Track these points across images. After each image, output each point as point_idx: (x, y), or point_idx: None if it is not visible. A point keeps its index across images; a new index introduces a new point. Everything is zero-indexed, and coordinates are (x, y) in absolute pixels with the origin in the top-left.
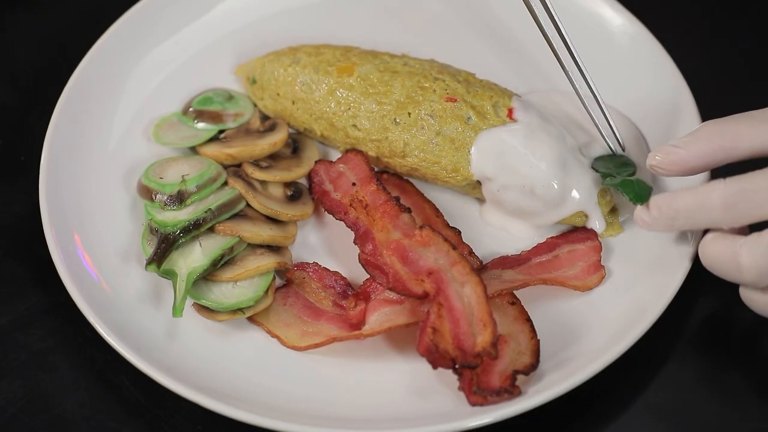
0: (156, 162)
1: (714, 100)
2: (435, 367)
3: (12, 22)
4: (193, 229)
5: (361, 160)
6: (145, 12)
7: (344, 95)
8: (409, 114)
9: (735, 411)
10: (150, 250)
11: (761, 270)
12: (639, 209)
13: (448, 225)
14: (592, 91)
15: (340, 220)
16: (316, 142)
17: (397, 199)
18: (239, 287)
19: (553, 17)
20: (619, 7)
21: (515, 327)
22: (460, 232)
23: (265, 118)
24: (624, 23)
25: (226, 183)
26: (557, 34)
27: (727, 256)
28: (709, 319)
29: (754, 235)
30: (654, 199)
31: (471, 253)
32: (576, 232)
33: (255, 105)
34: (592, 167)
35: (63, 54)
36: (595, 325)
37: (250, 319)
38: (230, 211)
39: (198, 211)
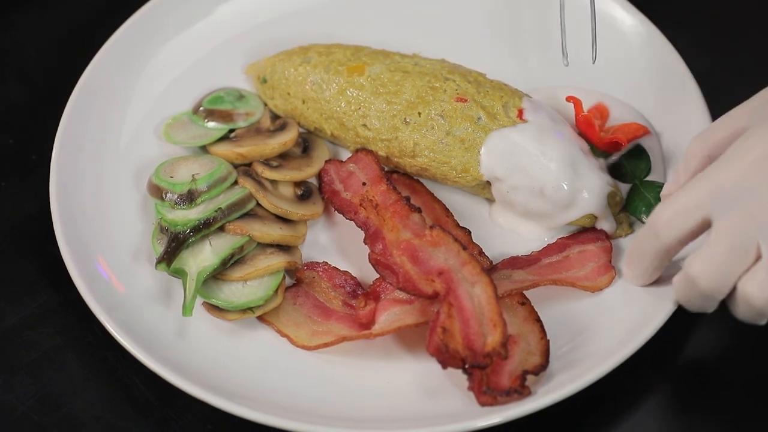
0: (166, 161)
1: (724, 101)
2: (445, 367)
3: (23, 20)
4: (204, 228)
5: (371, 160)
6: (156, 11)
7: (355, 95)
8: (420, 114)
9: (748, 412)
10: (160, 249)
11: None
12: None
13: (458, 225)
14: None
15: (350, 219)
16: (326, 141)
17: (408, 198)
18: (249, 286)
19: None
20: (631, 7)
21: (525, 327)
22: (470, 232)
23: (275, 117)
24: (635, 23)
25: (236, 182)
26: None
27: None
28: (720, 319)
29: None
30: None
31: (481, 253)
32: (586, 232)
33: (265, 104)
34: (608, 171)
35: (74, 53)
36: (605, 326)
37: (260, 318)
38: (240, 210)
39: (208, 210)
